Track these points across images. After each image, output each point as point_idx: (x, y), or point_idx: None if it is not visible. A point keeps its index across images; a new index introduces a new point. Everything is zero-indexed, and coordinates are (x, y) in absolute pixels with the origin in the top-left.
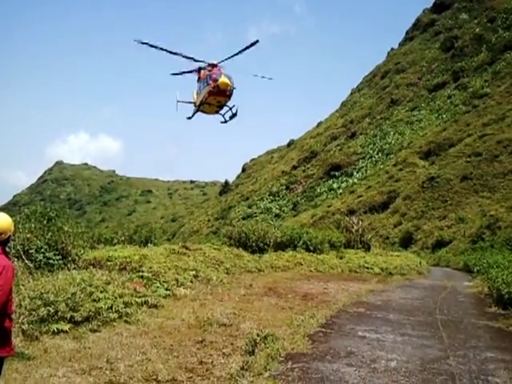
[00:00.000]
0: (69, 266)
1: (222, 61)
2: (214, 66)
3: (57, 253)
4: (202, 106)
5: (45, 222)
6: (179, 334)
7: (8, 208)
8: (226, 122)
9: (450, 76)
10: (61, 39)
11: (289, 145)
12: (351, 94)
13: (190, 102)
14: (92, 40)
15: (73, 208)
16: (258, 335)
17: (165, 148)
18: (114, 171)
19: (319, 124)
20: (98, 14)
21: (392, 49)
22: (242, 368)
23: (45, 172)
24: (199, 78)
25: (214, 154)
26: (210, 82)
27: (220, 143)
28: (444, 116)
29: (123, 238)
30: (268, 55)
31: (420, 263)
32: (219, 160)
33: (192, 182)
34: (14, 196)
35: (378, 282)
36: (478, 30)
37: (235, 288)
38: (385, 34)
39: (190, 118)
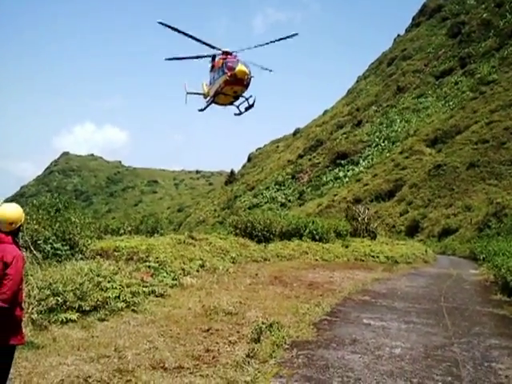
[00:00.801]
0: (76, 256)
1: (251, 48)
2: (229, 53)
3: (64, 243)
4: (217, 97)
5: (53, 213)
6: (186, 323)
7: (16, 199)
8: (240, 113)
9: (456, 62)
10: (68, 30)
11: (294, 133)
12: (357, 81)
13: (200, 94)
14: (98, 30)
15: (79, 199)
16: (263, 323)
17: (171, 138)
18: (120, 162)
19: (325, 112)
20: (103, 4)
21: (398, 35)
22: (248, 355)
23: (51, 163)
24: (212, 66)
25: (220, 143)
26: (226, 70)
27: (226, 133)
28: (451, 103)
29: (130, 229)
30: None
31: (426, 251)
32: (225, 149)
33: (198, 171)
34: (21, 187)
35: (384, 271)
36: (485, 15)
37: (241, 277)
38: (391, 20)
39: (202, 110)
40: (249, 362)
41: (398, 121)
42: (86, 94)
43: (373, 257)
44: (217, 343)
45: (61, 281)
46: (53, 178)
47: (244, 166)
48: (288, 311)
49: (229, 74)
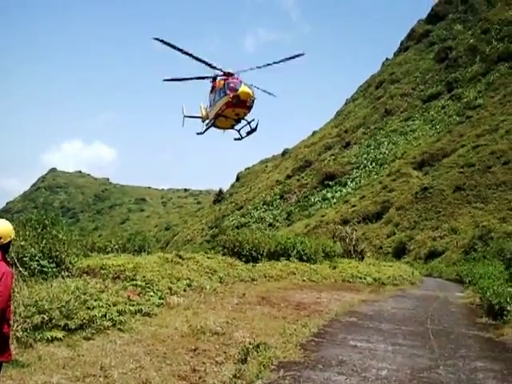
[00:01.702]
0: (63, 273)
1: (253, 69)
2: (231, 74)
3: (51, 261)
4: (217, 120)
5: (39, 229)
6: (172, 342)
7: (1, 215)
8: (241, 138)
9: (444, 87)
10: (55, 45)
11: (283, 154)
12: (346, 103)
13: (198, 117)
14: (86, 46)
15: (66, 216)
16: (250, 344)
17: (159, 156)
18: (107, 179)
19: (314, 133)
20: (91, 16)
21: (387, 59)
22: (235, 376)
23: (38, 179)
24: (213, 88)
25: (209, 162)
26: (228, 91)
27: (214, 151)
28: (438, 126)
29: (117, 247)
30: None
31: (413, 273)
32: (214, 168)
33: (186, 190)
34: (7, 203)
35: (371, 292)
36: (472, 41)
37: (228, 297)
38: (380, 44)
39: (201, 133)
40: (235, 383)
41: (386, 143)
42: (76, 111)
43: (360, 278)
44: (203, 363)
45: (47, 298)
46: (39, 195)
47: (232, 186)
48: (275, 332)
49: (231, 95)
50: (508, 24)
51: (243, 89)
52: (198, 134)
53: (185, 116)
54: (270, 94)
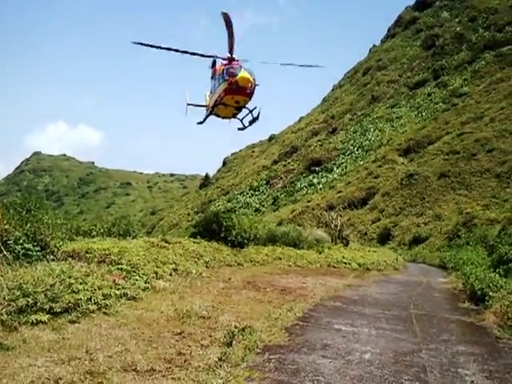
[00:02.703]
0: (47, 257)
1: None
2: (231, 59)
3: (35, 244)
4: (217, 108)
5: (24, 213)
6: (158, 326)
7: None
8: (244, 128)
9: (430, 74)
10: (40, 26)
11: (270, 139)
12: (333, 89)
13: (203, 106)
14: (72, 27)
15: (50, 199)
16: (235, 327)
17: (146, 140)
18: (93, 163)
19: (301, 119)
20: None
21: (374, 45)
22: (220, 359)
23: (22, 162)
24: (213, 73)
25: (195, 147)
26: (227, 77)
27: (201, 136)
28: (423, 114)
29: (102, 231)
30: (250, 46)
31: (397, 259)
32: (200, 153)
33: (172, 175)
34: None
35: (356, 277)
36: (458, 28)
37: (214, 281)
38: (367, 30)
39: (200, 122)
40: (221, 366)
41: (372, 130)
42: (61, 93)
43: (345, 263)
44: (189, 346)
45: (31, 282)
46: (23, 178)
47: (219, 170)
48: (260, 316)
49: (230, 81)
50: (494, 12)
51: (242, 74)
52: (198, 123)
53: (188, 104)
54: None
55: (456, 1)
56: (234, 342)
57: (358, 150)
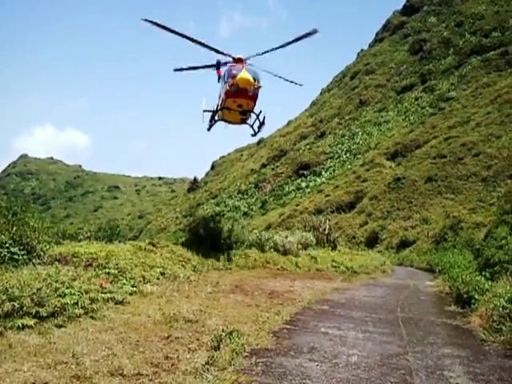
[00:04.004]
0: (34, 261)
1: (267, 51)
2: (240, 60)
3: (22, 248)
4: (222, 113)
5: (10, 216)
6: (145, 330)
7: None
8: (255, 134)
9: (417, 78)
10: (27, 27)
11: (258, 143)
12: (321, 93)
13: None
14: (60, 28)
15: (37, 203)
16: (223, 331)
17: (134, 143)
18: (80, 166)
19: (289, 123)
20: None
21: (362, 50)
22: (207, 363)
23: (9, 165)
24: (219, 76)
25: (183, 150)
26: (228, 78)
27: (189, 139)
28: (411, 118)
29: (89, 234)
30: (238, 48)
31: (384, 262)
32: (188, 156)
33: (160, 178)
34: None
35: (343, 281)
36: (445, 33)
37: (202, 285)
38: (356, 35)
39: (208, 129)
40: (208, 370)
41: (360, 134)
42: (49, 95)
43: (333, 267)
44: (176, 350)
45: (17, 286)
46: (10, 181)
47: (207, 174)
48: (248, 319)
49: (230, 82)
50: (481, 18)
51: (242, 75)
52: (207, 129)
53: (204, 110)
54: (296, 83)
55: (443, 6)
56: (221, 346)
57: (345, 153)
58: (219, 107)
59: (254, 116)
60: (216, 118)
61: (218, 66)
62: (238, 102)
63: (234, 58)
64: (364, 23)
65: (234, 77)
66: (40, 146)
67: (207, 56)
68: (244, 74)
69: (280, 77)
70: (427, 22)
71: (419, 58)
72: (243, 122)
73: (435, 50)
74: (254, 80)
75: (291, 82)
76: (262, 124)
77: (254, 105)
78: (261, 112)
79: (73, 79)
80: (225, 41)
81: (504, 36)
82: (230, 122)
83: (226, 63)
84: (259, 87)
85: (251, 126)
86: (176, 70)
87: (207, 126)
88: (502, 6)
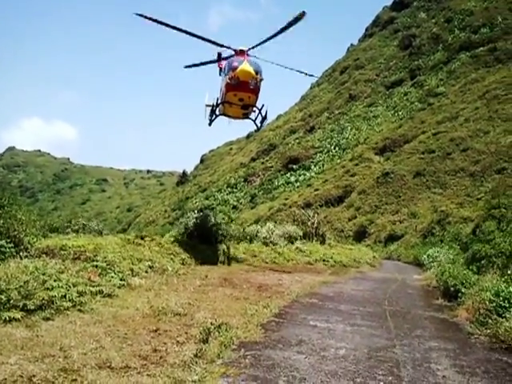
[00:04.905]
0: (21, 254)
1: (261, 43)
2: (242, 52)
3: (9, 240)
4: (223, 107)
5: None
6: (133, 323)
7: None
8: (258, 129)
9: (406, 73)
10: (14, 20)
11: (248, 137)
12: (311, 88)
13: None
14: (48, 21)
15: (24, 195)
16: (212, 324)
17: (122, 136)
18: (68, 159)
19: (279, 117)
20: None
21: (352, 44)
22: (196, 355)
23: None
24: (220, 69)
25: (172, 143)
26: (228, 71)
27: (178, 133)
28: (400, 113)
29: (77, 227)
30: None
31: (373, 256)
32: (177, 150)
33: (149, 171)
34: None
35: (332, 274)
36: (435, 29)
37: (191, 278)
38: (346, 30)
39: (209, 124)
40: (196, 362)
41: (349, 128)
42: (37, 87)
43: (322, 260)
44: (165, 343)
45: (4, 279)
46: None
47: (196, 168)
48: (237, 312)
49: (230, 75)
50: (470, 14)
51: (242, 67)
52: (208, 124)
53: (207, 105)
54: (310, 75)
55: (433, 2)
56: (209, 339)
57: (335, 148)
58: (222, 101)
59: (256, 110)
60: (217, 112)
61: (218, 58)
62: (239, 95)
63: (235, 50)
64: (354, 18)
65: (234, 69)
66: (27, 138)
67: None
68: (245, 66)
69: (292, 69)
70: (417, 18)
71: (408, 53)
72: (245, 116)
73: (424, 45)
74: (256, 73)
75: (301, 72)
76: (264, 118)
77: (256, 98)
78: (263, 106)
79: (61, 72)
80: (214, 35)
81: (492, 32)
82: (231, 117)
83: (230, 57)
84: (261, 80)
85: (254, 121)
86: (186, 66)
87: (208, 121)
88: (491, 3)
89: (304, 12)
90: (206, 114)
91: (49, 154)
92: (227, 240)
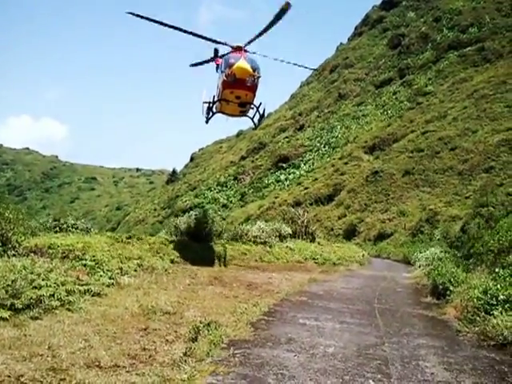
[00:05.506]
0: (9, 252)
1: (254, 39)
2: (239, 49)
3: None
4: (220, 105)
5: None
6: (122, 322)
7: None
8: (256, 127)
9: (396, 73)
10: (3, 16)
11: (238, 135)
12: (301, 86)
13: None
14: (37, 20)
15: (12, 194)
16: (201, 322)
17: (112, 134)
18: (56, 157)
19: (268, 115)
20: None
21: (341, 43)
22: (185, 354)
23: None
24: (217, 66)
25: (162, 141)
26: (225, 68)
27: (168, 131)
28: (389, 112)
29: (65, 226)
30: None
31: (362, 255)
32: (167, 148)
33: (138, 169)
34: None
35: (321, 273)
36: (424, 28)
37: (180, 277)
38: (335, 28)
39: (206, 122)
40: (186, 361)
41: (339, 127)
42: (25, 84)
43: (312, 259)
44: (154, 342)
45: None
46: None
47: (186, 166)
48: (226, 311)
49: (226, 72)
50: (458, 14)
51: (239, 64)
52: (205, 122)
53: (204, 102)
54: (310, 68)
55: (422, 1)
56: (199, 337)
57: (324, 147)
58: (219, 99)
59: (253, 108)
60: (214, 110)
61: (215, 54)
62: (236, 93)
63: (232, 47)
64: (343, 17)
65: (231, 66)
66: (15, 136)
67: (193, 41)
68: (241, 63)
69: (294, 64)
70: (406, 17)
71: (397, 52)
72: (243, 114)
73: (413, 44)
74: (253, 70)
75: (301, 66)
76: (262, 116)
77: (254, 96)
78: (261, 104)
79: (50, 69)
80: (202, 30)
81: (481, 32)
82: (228, 115)
83: (217, 51)
84: (258, 77)
85: (252, 119)
86: (192, 65)
87: (205, 119)
88: (479, 3)
89: (288, 3)
90: (203, 112)
91: (37, 152)
92: (222, 239)
